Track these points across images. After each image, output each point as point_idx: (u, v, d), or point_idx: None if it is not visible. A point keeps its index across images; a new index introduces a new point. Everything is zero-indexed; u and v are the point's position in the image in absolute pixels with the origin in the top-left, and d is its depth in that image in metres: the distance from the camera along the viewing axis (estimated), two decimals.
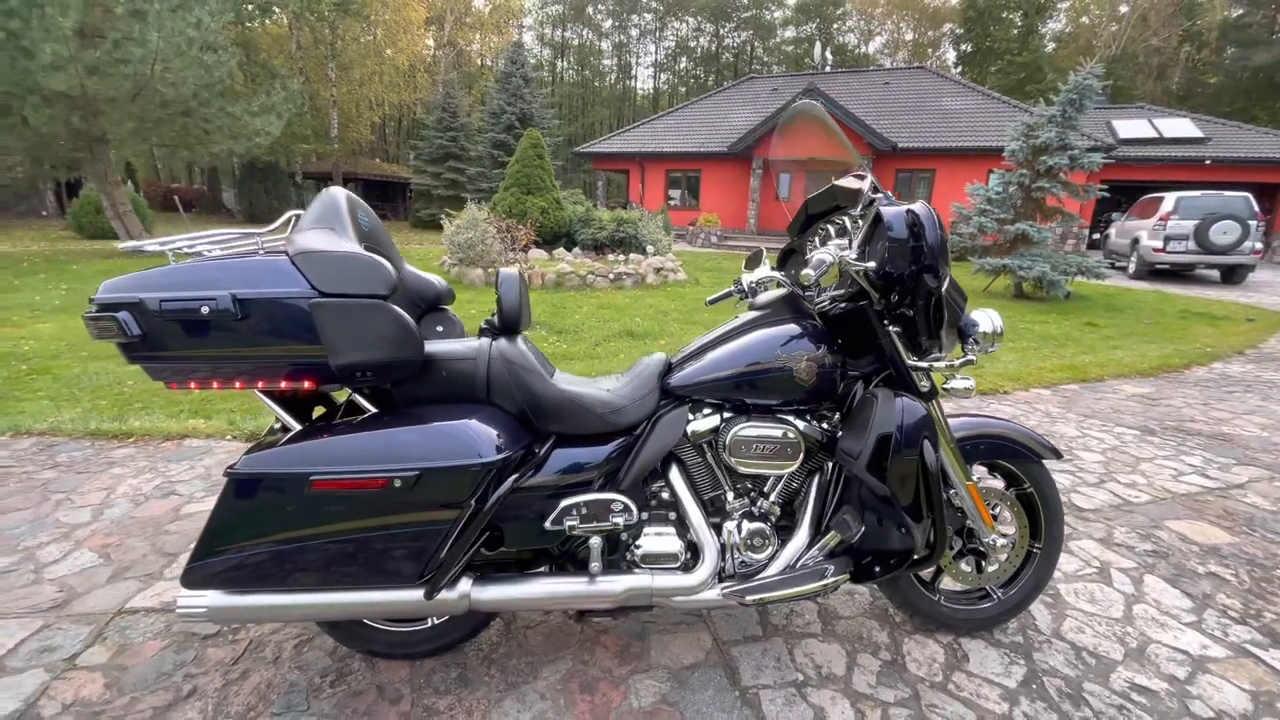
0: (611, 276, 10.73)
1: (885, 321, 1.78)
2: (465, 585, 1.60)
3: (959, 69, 41.00)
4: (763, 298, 1.98)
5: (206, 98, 11.87)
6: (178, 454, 3.40)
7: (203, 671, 1.80)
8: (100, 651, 1.87)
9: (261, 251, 1.51)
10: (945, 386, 1.80)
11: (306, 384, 1.51)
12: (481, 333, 1.80)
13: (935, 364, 1.77)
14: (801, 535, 1.80)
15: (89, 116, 10.67)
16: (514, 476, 1.54)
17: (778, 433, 1.73)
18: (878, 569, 1.76)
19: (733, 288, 2.27)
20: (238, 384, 1.48)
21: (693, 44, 53.64)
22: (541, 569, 1.77)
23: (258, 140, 13.43)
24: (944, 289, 1.62)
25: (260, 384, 1.50)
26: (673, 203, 22.50)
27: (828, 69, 29.38)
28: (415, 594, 1.54)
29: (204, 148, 13.10)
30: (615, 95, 54.82)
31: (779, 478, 1.83)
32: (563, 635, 1.98)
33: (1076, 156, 10.07)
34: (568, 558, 1.77)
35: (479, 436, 1.48)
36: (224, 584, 1.47)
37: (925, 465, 1.65)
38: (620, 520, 1.63)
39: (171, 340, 1.39)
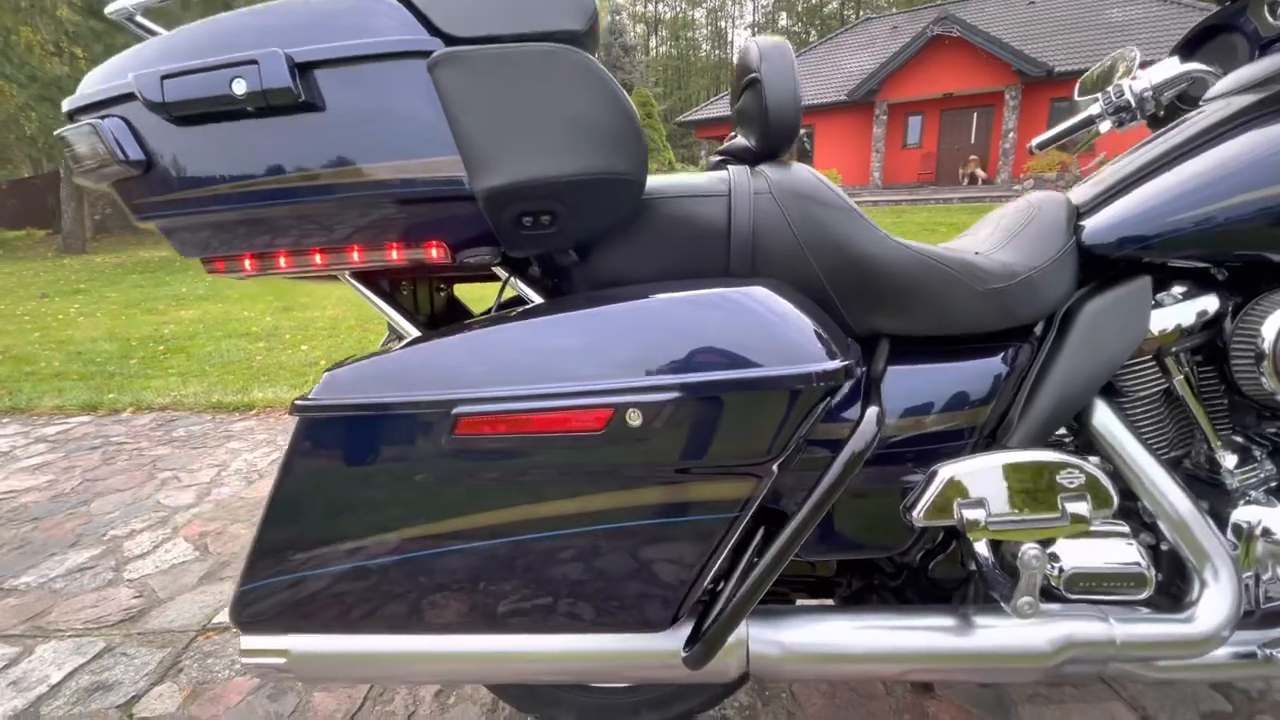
0: None
1: None
2: (738, 631, 0.82)
3: None
4: (1230, 81, 1.02)
5: None
6: None
7: None
8: (168, 694, 1.28)
9: None
10: None
11: (434, 251, 0.78)
12: (720, 164, 1.00)
13: None
14: None
15: None
16: (875, 410, 0.71)
17: None
18: None
19: (1095, 110, 1.32)
20: (317, 257, 0.79)
21: None
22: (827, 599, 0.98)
23: None
24: None
25: (355, 255, 0.79)
26: None
27: None
28: (662, 646, 0.77)
29: None
30: (711, 64, 52.92)
31: None
32: (858, 700, 1.17)
33: None
34: (906, 577, 0.95)
35: (789, 320, 0.68)
36: (304, 620, 0.77)
37: None
38: (1081, 508, 0.76)
39: (191, 158, 0.71)
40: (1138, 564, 0.86)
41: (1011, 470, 0.76)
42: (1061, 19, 18.51)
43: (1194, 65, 1.22)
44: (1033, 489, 0.76)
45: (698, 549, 0.69)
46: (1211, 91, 1.06)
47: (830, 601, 0.99)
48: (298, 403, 0.70)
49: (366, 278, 0.93)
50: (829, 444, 0.77)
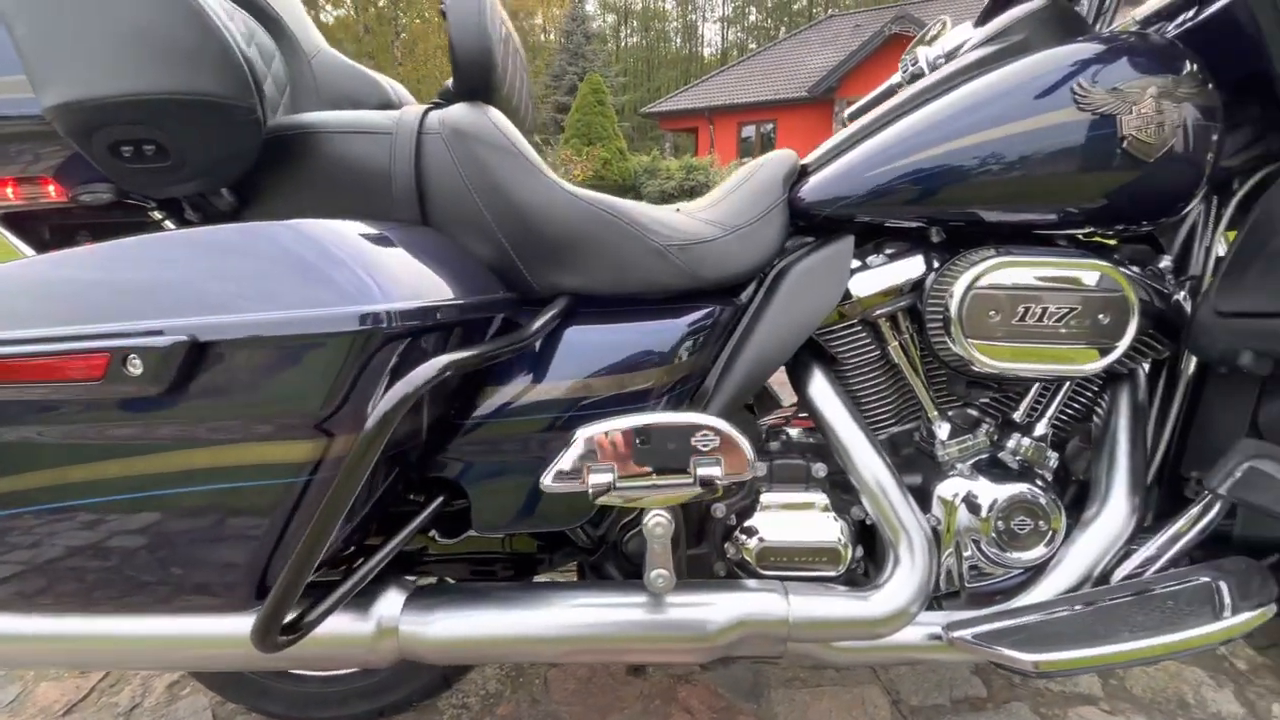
0: None
1: None
2: (389, 606, 0.75)
3: None
4: (987, 29, 0.98)
5: None
6: None
7: None
8: None
9: None
10: None
11: (50, 189, 0.72)
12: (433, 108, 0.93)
13: None
14: (1115, 513, 0.83)
15: None
16: (458, 355, 0.63)
17: (1083, 277, 0.76)
18: None
19: (897, 78, 1.30)
20: None
21: None
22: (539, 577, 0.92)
23: None
24: None
25: None
26: (746, 161, 20.91)
27: None
28: (232, 627, 0.70)
29: None
30: (681, 57, 52.75)
31: (1056, 388, 0.88)
32: (611, 686, 1.12)
33: None
34: (603, 552, 0.90)
35: (352, 250, 0.61)
36: None
37: None
38: (713, 472, 0.71)
39: None
40: (832, 539, 0.83)
41: (647, 432, 0.71)
42: None
43: (984, 29, 1.20)
44: (666, 452, 0.71)
45: (264, 520, 0.62)
46: (961, 50, 1.04)
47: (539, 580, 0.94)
48: None
49: (25, 228, 0.84)
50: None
